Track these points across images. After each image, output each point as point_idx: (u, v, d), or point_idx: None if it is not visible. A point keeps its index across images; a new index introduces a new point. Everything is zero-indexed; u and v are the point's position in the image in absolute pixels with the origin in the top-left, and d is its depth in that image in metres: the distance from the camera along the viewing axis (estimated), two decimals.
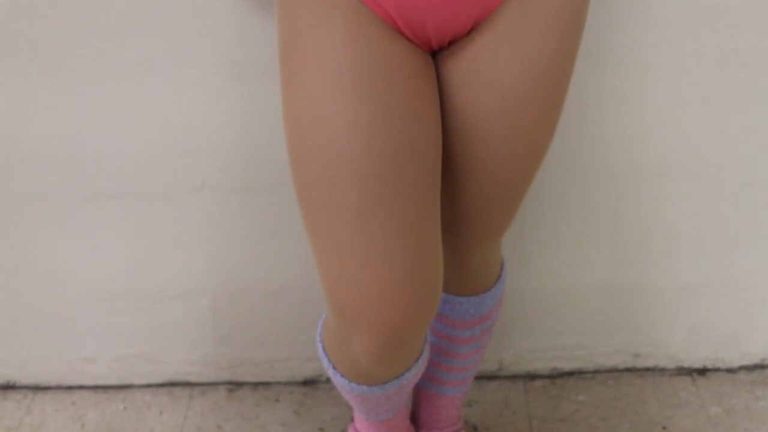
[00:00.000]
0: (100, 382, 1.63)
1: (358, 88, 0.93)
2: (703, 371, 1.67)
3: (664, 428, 1.54)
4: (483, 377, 1.65)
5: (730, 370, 1.67)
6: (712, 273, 1.59)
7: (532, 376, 1.66)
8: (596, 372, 1.67)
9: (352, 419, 1.42)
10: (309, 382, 1.65)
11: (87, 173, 1.43)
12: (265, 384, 1.64)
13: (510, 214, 1.15)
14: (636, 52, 1.39)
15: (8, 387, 1.63)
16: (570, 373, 1.67)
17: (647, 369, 1.67)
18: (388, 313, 0.97)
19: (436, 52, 1.04)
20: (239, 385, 1.64)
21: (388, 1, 0.95)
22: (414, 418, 1.46)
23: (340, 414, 1.57)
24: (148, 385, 1.63)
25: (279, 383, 1.64)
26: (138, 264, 1.53)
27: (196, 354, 1.61)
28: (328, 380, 1.63)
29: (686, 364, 1.67)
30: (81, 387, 1.63)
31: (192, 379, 1.64)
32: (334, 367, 1.15)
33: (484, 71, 1.00)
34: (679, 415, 1.57)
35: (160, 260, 1.52)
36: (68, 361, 1.61)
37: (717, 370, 1.67)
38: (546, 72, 1.01)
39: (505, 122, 1.02)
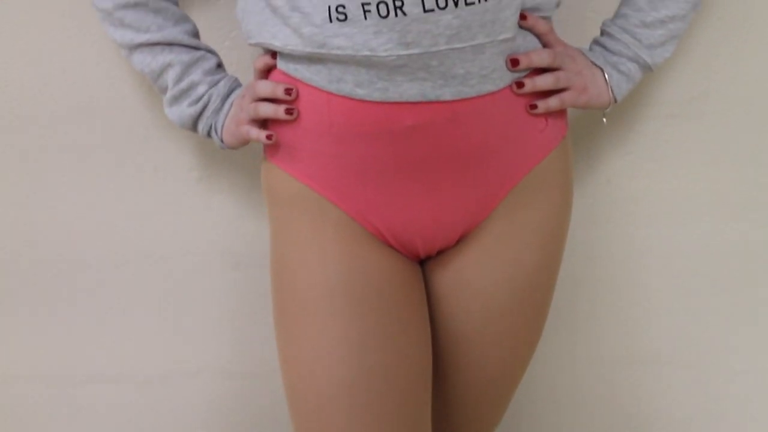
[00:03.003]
0: None
1: (348, 304, 0.96)
2: None
3: None
4: None
5: None
6: None
7: None
8: None
9: None
10: None
11: (83, 357, 1.45)
12: None
13: (500, 410, 1.16)
14: (625, 244, 1.42)
15: None
16: None
17: None
18: None
19: (424, 260, 1.07)
20: None
21: (377, 218, 0.99)
22: None
23: None
24: None
25: None
26: None
27: None
28: None
29: None
30: None
31: None
32: None
33: (470, 282, 1.03)
34: None
35: None
36: None
37: None
38: (530, 281, 1.05)
39: (491, 330, 1.05)
